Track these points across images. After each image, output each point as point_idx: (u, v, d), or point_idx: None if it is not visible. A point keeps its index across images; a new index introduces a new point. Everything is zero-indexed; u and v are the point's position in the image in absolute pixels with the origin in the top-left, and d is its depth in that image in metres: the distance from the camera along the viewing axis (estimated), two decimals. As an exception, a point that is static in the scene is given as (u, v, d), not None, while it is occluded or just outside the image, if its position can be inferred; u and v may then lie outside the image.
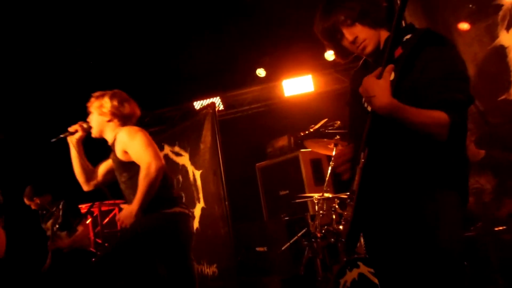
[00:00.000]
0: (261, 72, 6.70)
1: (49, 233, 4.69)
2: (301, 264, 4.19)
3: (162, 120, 7.13)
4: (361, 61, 1.89)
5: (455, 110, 1.47)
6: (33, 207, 4.74)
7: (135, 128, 2.74)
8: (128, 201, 2.75)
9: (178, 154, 5.56)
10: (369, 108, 1.59)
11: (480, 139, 2.85)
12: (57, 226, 4.60)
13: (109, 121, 2.77)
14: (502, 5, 2.62)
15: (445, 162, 1.56)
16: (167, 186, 2.72)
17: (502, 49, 2.64)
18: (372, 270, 2.82)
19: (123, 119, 2.79)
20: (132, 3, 5.45)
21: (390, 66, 1.48)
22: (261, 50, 6.42)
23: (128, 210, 2.55)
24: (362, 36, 1.68)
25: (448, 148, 1.53)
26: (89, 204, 5.22)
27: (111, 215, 6.86)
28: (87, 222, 6.00)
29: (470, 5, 2.88)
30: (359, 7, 1.65)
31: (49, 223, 4.67)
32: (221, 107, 7.15)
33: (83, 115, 2.92)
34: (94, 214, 6.33)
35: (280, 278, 4.71)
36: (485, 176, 2.87)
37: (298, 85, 6.64)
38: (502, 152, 2.77)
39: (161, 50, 6.32)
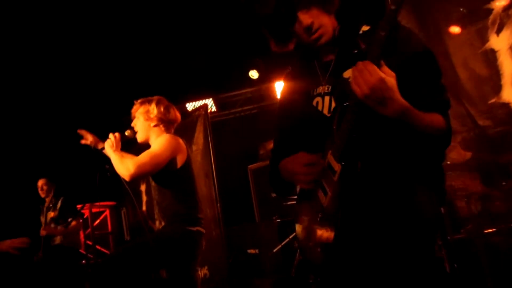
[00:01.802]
0: (253, 74, 6.70)
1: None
2: (292, 266, 4.19)
3: (154, 122, 7.10)
4: (298, 56, 1.70)
5: (447, 112, 1.39)
6: (39, 190, 5.07)
7: (170, 136, 2.79)
8: (156, 205, 2.85)
9: (170, 156, 5.53)
10: (325, 111, 1.47)
11: (468, 141, 2.87)
12: (51, 217, 4.75)
13: (155, 126, 2.84)
14: (492, 9, 2.65)
15: (427, 165, 1.46)
16: (194, 207, 2.80)
17: (492, 53, 2.67)
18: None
19: (168, 125, 2.89)
20: (125, 6, 5.44)
21: (383, 63, 1.26)
22: (254, 52, 6.43)
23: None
24: (319, 21, 1.46)
25: (431, 151, 1.44)
26: (79, 206, 5.22)
27: (101, 217, 6.82)
28: (80, 221, 6.01)
29: (461, 9, 2.90)
30: None
31: (48, 215, 4.79)
32: (214, 109, 7.13)
33: (78, 112, 2.93)
34: (85, 216, 6.28)
35: (272, 280, 4.71)
36: (472, 178, 2.89)
37: (291, 87, 6.63)
38: (491, 154, 2.79)
39: (153, 52, 6.30)
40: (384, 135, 1.38)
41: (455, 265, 2.76)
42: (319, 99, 1.56)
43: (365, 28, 1.46)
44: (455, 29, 2.94)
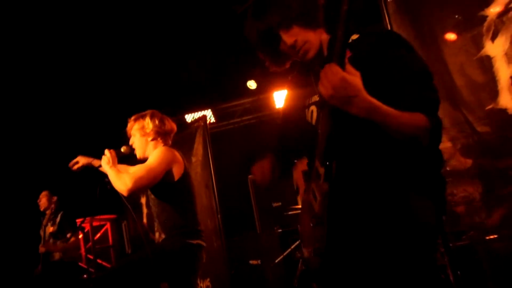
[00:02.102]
0: (252, 84, 6.73)
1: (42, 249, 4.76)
2: (295, 276, 4.17)
3: (154, 134, 7.11)
4: (295, 71, 1.73)
5: (433, 111, 1.36)
6: (39, 202, 5.04)
7: (166, 148, 2.80)
8: (155, 218, 2.87)
9: (169, 168, 5.53)
10: (313, 121, 1.49)
11: (467, 148, 2.87)
12: (49, 235, 4.72)
13: (152, 139, 2.87)
14: (486, 16, 2.67)
15: (419, 169, 1.42)
16: (193, 219, 2.81)
17: (488, 59, 2.68)
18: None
19: (165, 136, 2.91)
20: (123, 19, 5.47)
21: (347, 58, 1.27)
22: (252, 62, 6.46)
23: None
24: (302, 38, 1.49)
25: (422, 154, 1.41)
26: (80, 220, 5.21)
27: (102, 231, 6.79)
28: (80, 236, 5.98)
29: (456, 16, 2.92)
30: (295, 6, 1.46)
31: (46, 230, 4.77)
32: (213, 120, 7.15)
33: (78, 125, 2.95)
34: (86, 230, 6.26)
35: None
36: (473, 185, 2.88)
37: (289, 97, 6.65)
38: (491, 161, 2.79)
39: (152, 64, 6.33)
40: (361, 135, 1.38)
41: (458, 272, 2.75)
42: (313, 107, 1.58)
43: (354, 37, 1.47)
44: (450, 36, 2.96)
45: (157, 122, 2.87)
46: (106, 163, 2.64)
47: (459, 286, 2.77)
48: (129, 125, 2.93)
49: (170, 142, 2.96)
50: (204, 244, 2.81)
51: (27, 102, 6.16)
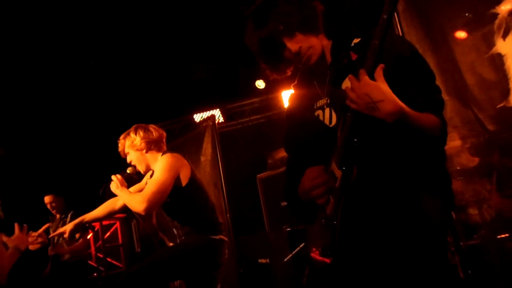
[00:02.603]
0: (260, 84, 6.73)
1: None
2: (303, 275, 4.17)
3: (163, 133, 7.15)
4: (298, 75, 1.74)
5: (440, 111, 1.40)
6: (48, 207, 4.98)
7: (168, 156, 2.80)
8: (170, 221, 2.91)
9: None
10: (326, 122, 1.49)
11: (478, 146, 2.85)
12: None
13: (147, 151, 2.87)
14: (497, 14, 2.65)
15: (428, 169, 1.44)
16: (212, 211, 2.84)
17: (499, 57, 2.66)
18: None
19: (157, 144, 2.91)
20: (131, 16, 5.50)
21: (381, 66, 1.27)
22: (260, 62, 6.45)
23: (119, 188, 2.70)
24: (306, 45, 1.52)
25: (431, 155, 1.44)
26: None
27: (112, 229, 6.83)
28: (88, 236, 6.03)
29: (467, 14, 2.90)
30: (296, 13, 1.48)
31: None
32: (221, 119, 7.16)
33: (86, 127, 2.97)
34: (96, 229, 6.31)
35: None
36: (483, 183, 2.87)
37: (298, 96, 6.64)
38: (501, 159, 2.77)
39: (161, 64, 6.36)
40: (383, 140, 1.39)
41: (469, 271, 2.74)
42: (319, 112, 1.60)
43: (356, 40, 1.49)
44: (461, 34, 2.94)
45: (142, 133, 2.87)
46: (116, 188, 2.70)
47: (470, 285, 2.75)
48: (120, 146, 2.95)
49: (164, 147, 2.97)
50: (226, 239, 2.82)
51: (27, 99, 6.20)
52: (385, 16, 1.21)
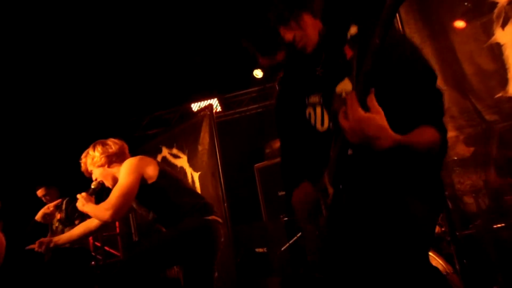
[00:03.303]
0: (258, 73, 6.70)
1: (54, 224, 4.79)
2: (300, 263, 4.19)
3: (160, 122, 7.13)
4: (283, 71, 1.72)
5: (440, 122, 1.35)
6: (43, 200, 4.93)
7: (128, 160, 2.78)
8: (152, 217, 2.88)
9: (176, 156, 5.55)
10: (317, 124, 1.48)
11: (474, 136, 2.85)
12: (57, 222, 4.74)
13: (109, 165, 2.84)
14: (497, 3, 2.63)
15: (422, 178, 1.43)
16: (193, 196, 2.82)
17: (498, 47, 2.65)
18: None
19: (119, 156, 2.86)
20: (127, 5, 5.45)
21: (372, 91, 1.18)
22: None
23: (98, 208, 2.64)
24: (300, 33, 1.49)
25: (428, 166, 1.43)
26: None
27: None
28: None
29: (466, 3, 2.88)
30: None
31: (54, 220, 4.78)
32: (219, 109, 7.14)
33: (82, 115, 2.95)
34: (93, 218, 6.33)
35: (280, 279, 4.71)
36: (479, 173, 2.87)
37: (296, 86, 6.62)
38: (498, 149, 2.77)
39: (159, 53, 6.32)
40: (377, 154, 1.34)
41: (464, 261, 2.75)
42: (310, 109, 1.57)
43: (353, 30, 1.43)
44: (459, 24, 2.92)
45: (100, 149, 2.83)
46: (82, 206, 2.68)
47: (466, 275, 2.77)
48: (82, 165, 2.91)
49: (127, 157, 2.89)
50: (220, 220, 2.81)
51: (24, 94, 6.17)
52: (377, 41, 1.12)
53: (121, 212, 2.57)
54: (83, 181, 3.05)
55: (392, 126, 1.20)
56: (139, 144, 6.23)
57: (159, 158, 5.63)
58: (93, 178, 2.90)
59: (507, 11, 2.58)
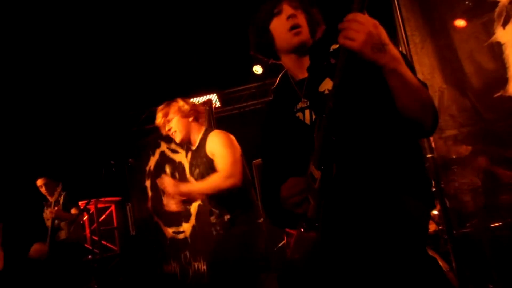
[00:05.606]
0: (257, 69, 6.70)
1: (48, 223, 4.80)
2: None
3: (159, 117, 7.12)
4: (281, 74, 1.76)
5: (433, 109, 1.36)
6: (41, 190, 4.99)
7: (227, 137, 2.86)
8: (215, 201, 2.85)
9: (174, 151, 5.55)
10: (306, 121, 1.50)
11: (473, 135, 2.85)
12: (56, 220, 4.77)
13: (193, 120, 2.85)
14: (498, 2, 2.62)
15: (408, 166, 1.43)
16: (252, 195, 2.86)
17: (498, 46, 2.64)
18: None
19: (201, 119, 2.93)
20: (129, 2, 5.44)
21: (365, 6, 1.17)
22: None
23: (185, 187, 2.66)
24: (298, 20, 1.54)
25: (413, 154, 1.45)
26: (85, 201, 5.25)
27: (107, 212, 6.85)
28: (84, 218, 6.05)
29: (467, 2, 2.87)
30: None
31: (48, 212, 4.79)
32: (218, 104, 7.14)
33: (84, 110, 2.94)
34: (91, 211, 6.33)
35: (277, 275, 4.72)
36: (477, 172, 2.88)
37: (295, 82, 6.63)
38: (496, 148, 2.78)
39: (158, 48, 6.30)
40: (361, 137, 1.39)
41: (461, 259, 2.76)
42: (300, 114, 1.60)
43: (334, 46, 1.49)
44: (460, 22, 2.91)
45: (191, 103, 2.89)
46: (180, 189, 2.65)
47: (462, 273, 2.78)
48: (161, 113, 2.86)
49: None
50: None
51: (24, 90, 6.15)
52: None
53: (241, 176, 2.64)
54: (79, 174, 3.06)
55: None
56: (137, 139, 6.22)
57: (157, 152, 5.63)
58: (167, 128, 2.86)
59: (508, 10, 2.57)
